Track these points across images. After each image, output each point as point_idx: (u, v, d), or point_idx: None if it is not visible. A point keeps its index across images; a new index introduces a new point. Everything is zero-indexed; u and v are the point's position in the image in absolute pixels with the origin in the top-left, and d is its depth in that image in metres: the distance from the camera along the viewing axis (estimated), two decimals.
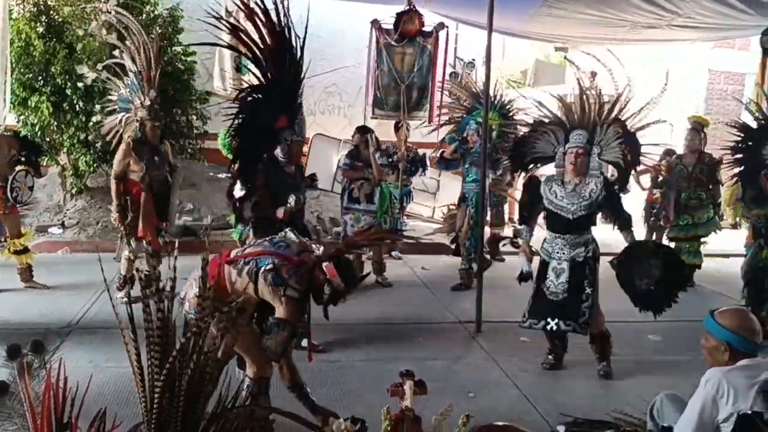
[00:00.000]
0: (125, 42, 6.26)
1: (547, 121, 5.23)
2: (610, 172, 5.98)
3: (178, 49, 9.00)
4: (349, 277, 3.58)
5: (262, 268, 3.48)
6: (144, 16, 8.55)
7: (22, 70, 8.22)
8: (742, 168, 5.99)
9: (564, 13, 8.00)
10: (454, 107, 8.86)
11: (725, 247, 9.31)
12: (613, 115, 5.03)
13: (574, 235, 4.90)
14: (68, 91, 8.15)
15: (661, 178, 8.12)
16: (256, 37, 4.51)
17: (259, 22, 4.46)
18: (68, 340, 5.19)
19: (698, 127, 7.56)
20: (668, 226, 7.80)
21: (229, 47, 5.56)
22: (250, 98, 4.71)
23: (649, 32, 8.52)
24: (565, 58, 5.92)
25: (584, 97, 5.06)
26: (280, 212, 5.00)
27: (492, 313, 5.94)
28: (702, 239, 7.65)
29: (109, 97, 6.53)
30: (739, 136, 5.95)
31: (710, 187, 7.52)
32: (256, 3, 4.47)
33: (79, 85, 7.98)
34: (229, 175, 6.09)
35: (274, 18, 4.46)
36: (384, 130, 8.18)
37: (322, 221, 9.59)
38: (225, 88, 9.24)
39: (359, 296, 6.76)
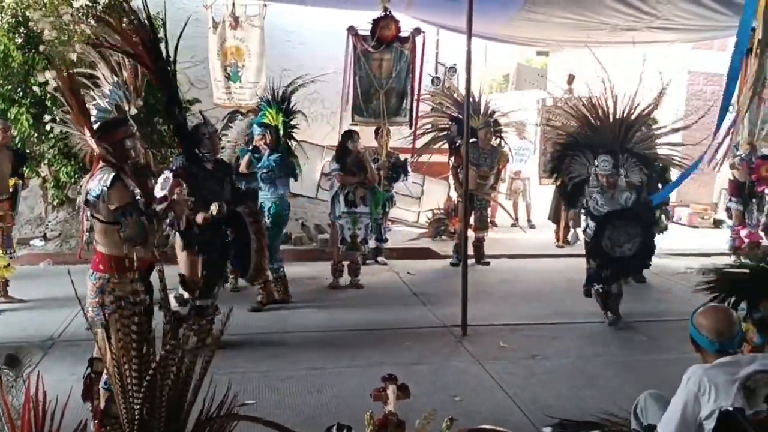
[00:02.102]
0: (103, 54, 6.21)
1: (570, 142, 6.24)
2: None
3: None
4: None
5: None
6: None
7: (0, 82, 8.16)
8: None
9: (543, 17, 8.04)
10: (437, 114, 8.91)
11: (707, 247, 9.39)
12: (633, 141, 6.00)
13: None
14: (48, 102, 8.08)
15: None
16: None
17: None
18: (51, 352, 5.14)
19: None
20: None
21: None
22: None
23: (628, 34, 8.58)
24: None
25: (601, 117, 6.01)
26: (199, 217, 4.87)
27: (478, 316, 5.96)
28: None
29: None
30: None
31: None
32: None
33: (57, 94, 7.91)
34: None
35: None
36: (365, 136, 8.17)
37: (306, 228, 9.55)
38: (220, 97, 9.35)
39: (344, 302, 6.78)
